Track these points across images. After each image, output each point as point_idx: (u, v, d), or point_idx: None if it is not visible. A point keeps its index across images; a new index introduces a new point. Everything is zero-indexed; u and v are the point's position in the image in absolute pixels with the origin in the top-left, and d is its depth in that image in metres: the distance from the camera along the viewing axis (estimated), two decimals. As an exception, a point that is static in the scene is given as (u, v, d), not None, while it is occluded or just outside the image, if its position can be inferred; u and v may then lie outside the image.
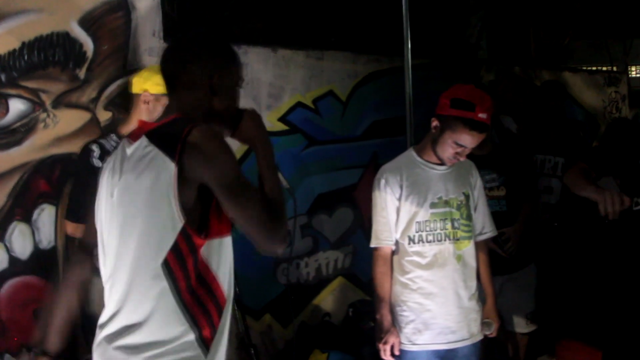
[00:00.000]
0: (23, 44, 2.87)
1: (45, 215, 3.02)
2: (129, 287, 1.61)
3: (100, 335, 1.68)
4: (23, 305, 2.98)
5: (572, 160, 3.07)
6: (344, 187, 4.30)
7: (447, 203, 2.53)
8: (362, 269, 4.40)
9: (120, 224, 1.63)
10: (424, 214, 2.51)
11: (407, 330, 2.55)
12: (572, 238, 3.82)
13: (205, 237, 1.59)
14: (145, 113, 2.76)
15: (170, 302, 1.58)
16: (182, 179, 1.54)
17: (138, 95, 2.81)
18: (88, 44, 3.07)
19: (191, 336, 1.60)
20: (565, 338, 3.66)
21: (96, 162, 2.70)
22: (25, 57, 2.88)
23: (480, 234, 2.65)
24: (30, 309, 3.00)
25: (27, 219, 2.97)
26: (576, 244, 3.16)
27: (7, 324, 2.92)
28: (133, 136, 1.70)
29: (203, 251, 1.60)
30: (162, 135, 1.60)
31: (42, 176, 2.99)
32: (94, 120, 3.11)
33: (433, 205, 2.53)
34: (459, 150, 2.44)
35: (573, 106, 6.18)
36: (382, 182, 2.59)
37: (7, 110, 2.86)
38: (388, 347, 2.54)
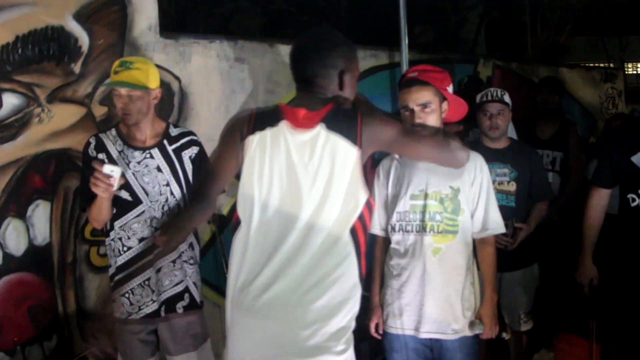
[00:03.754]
0: (17, 37, 2.84)
1: (40, 211, 3.00)
2: (318, 254, 1.89)
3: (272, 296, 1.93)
4: (18, 303, 2.95)
5: (595, 179, 3.09)
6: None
7: (427, 196, 2.55)
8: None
9: (306, 197, 1.91)
10: (404, 205, 2.59)
11: (386, 312, 2.68)
12: (572, 233, 3.82)
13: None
14: (149, 108, 2.63)
15: (354, 264, 1.92)
16: (362, 157, 1.89)
17: (148, 89, 2.60)
18: (83, 38, 3.04)
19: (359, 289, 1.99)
20: (562, 331, 3.65)
21: (91, 153, 2.65)
22: (20, 51, 2.85)
23: (482, 231, 2.62)
24: (25, 306, 2.97)
25: (21, 215, 2.94)
26: (576, 239, 3.14)
27: (2, 321, 2.90)
28: (293, 120, 1.95)
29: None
30: (339, 123, 1.91)
31: (36, 172, 2.96)
32: (89, 115, 3.09)
33: (413, 197, 2.58)
34: (410, 116, 2.48)
35: (570, 102, 6.18)
36: (377, 174, 2.74)
37: (0, 104, 2.83)
38: (372, 325, 2.73)
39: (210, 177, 2.16)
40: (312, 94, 1.99)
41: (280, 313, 1.92)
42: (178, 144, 2.69)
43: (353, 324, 2.01)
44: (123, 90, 2.55)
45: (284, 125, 1.95)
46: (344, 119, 1.92)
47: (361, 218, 1.91)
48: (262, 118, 2.00)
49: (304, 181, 1.91)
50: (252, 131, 1.98)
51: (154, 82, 2.61)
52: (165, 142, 2.68)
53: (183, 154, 2.69)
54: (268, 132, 1.96)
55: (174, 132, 2.73)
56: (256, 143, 1.97)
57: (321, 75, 1.97)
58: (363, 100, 2.14)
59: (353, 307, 1.99)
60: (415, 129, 2.28)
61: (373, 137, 1.91)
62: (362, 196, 1.90)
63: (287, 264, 1.90)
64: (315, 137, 1.91)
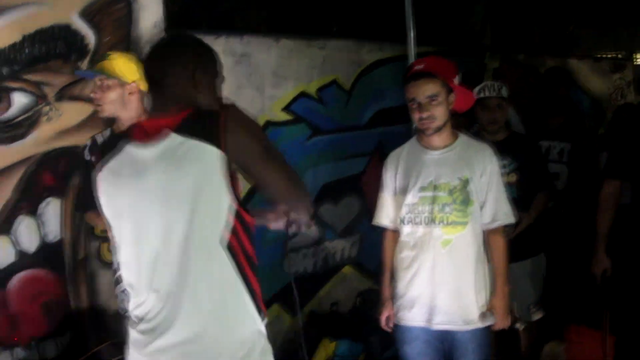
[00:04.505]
0: (24, 37, 2.86)
1: (51, 209, 3.03)
2: (185, 272, 1.69)
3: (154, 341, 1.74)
4: (32, 299, 2.98)
5: (608, 169, 3.09)
6: (349, 176, 4.29)
7: (436, 187, 2.55)
8: (369, 257, 4.39)
9: (167, 217, 1.69)
10: (412, 197, 2.58)
11: (397, 305, 2.66)
12: (580, 224, 3.81)
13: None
14: (126, 104, 2.61)
15: (237, 283, 1.70)
16: (229, 163, 1.67)
17: (122, 82, 2.59)
18: (90, 36, 3.06)
19: (254, 309, 1.74)
20: (574, 323, 3.64)
21: (86, 156, 2.68)
22: (27, 50, 2.87)
23: (492, 222, 2.61)
24: (39, 302, 3.01)
25: (33, 212, 2.97)
26: (583, 230, 3.14)
27: (17, 317, 2.93)
28: (139, 136, 1.74)
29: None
30: (198, 127, 1.67)
31: (46, 170, 2.99)
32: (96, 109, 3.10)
33: (422, 189, 2.57)
34: (418, 109, 2.50)
35: (579, 93, 6.15)
36: (385, 166, 2.73)
37: (10, 104, 2.86)
38: (383, 318, 2.71)
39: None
40: (164, 99, 1.78)
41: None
42: None
43: None
44: (96, 80, 2.59)
45: (128, 148, 1.75)
46: (206, 122, 1.68)
47: (234, 232, 1.69)
48: (106, 149, 1.82)
49: (167, 201, 1.69)
50: (99, 168, 1.80)
51: (129, 76, 2.58)
52: None
53: None
54: (112, 162, 1.77)
55: None
56: (104, 179, 1.80)
57: (171, 74, 1.76)
58: (232, 109, 1.82)
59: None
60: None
61: (237, 144, 1.66)
62: (230, 207, 1.68)
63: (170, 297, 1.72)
64: (170, 147, 1.68)
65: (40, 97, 2.94)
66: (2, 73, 2.81)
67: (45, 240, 3.02)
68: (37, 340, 3.01)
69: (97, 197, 1.83)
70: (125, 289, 1.86)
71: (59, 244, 3.06)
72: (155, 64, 1.81)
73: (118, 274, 2.64)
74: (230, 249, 1.69)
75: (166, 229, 1.69)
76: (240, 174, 1.75)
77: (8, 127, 2.85)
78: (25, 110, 2.90)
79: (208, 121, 1.68)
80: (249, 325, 1.74)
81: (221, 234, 1.68)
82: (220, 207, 1.68)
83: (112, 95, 2.56)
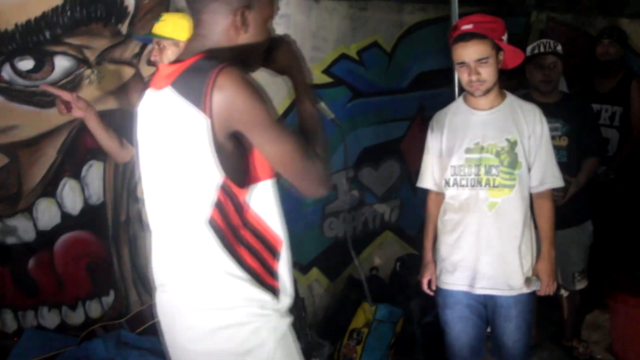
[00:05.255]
0: (65, 0, 2.86)
1: (94, 172, 3.07)
2: (175, 246, 1.58)
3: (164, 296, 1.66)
4: (76, 260, 3.05)
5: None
6: (390, 140, 4.23)
7: (483, 149, 2.49)
8: (409, 222, 4.36)
9: (157, 180, 1.59)
10: (458, 159, 2.54)
11: (440, 268, 2.65)
12: (630, 190, 3.69)
13: (247, 185, 1.53)
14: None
15: (221, 258, 1.52)
16: (215, 131, 1.43)
17: (176, 42, 2.60)
18: (129, -1, 3.05)
19: (253, 290, 1.55)
20: (618, 291, 3.55)
21: None
22: (69, 14, 2.88)
23: (540, 185, 2.54)
24: (84, 263, 3.07)
25: (76, 175, 3.02)
26: (634, 197, 3.03)
27: (63, 277, 3.00)
28: (156, 83, 1.57)
29: (247, 198, 1.54)
30: (188, 85, 1.44)
31: (89, 133, 3.00)
32: (138, 75, 3.11)
33: (468, 151, 2.53)
34: (467, 71, 2.44)
35: (630, 55, 5.91)
36: (430, 127, 2.68)
37: (52, 67, 2.88)
38: (425, 281, 2.69)
39: None
40: (190, 41, 1.57)
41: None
42: None
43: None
44: (154, 43, 2.62)
45: (148, 93, 1.59)
46: (195, 77, 1.43)
47: (219, 206, 1.49)
48: (144, 89, 1.66)
49: (153, 162, 1.57)
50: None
51: (182, 34, 2.58)
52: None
53: None
54: (140, 107, 1.63)
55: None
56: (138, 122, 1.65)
57: (205, 11, 1.52)
58: (287, 47, 1.65)
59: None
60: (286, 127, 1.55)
61: (230, 105, 1.41)
62: (215, 178, 1.47)
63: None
64: (161, 102, 1.51)
65: (81, 61, 2.95)
66: (45, 37, 2.82)
67: (89, 202, 3.07)
68: (82, 299, 3.08)
69: None
70: None
71: (101, 206, 3.11)
72: (192, 1, 1.55)
73: None
74: (213, 225, 1.49)
75: (159, 198, 1.60)
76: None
77: (51, 90, 2.88)
78: (68, 73, 2.92)
79: (198, 75, 1.43)
80: (242, 310, 1.56)
81: (205, 210, 1.49)
82: (201, 182, 1.47)
83: (170, 55, 2.58)
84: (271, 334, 1.58)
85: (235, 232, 1.53)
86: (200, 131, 1.42)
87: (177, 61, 1.53)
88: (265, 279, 1.57)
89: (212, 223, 1.49)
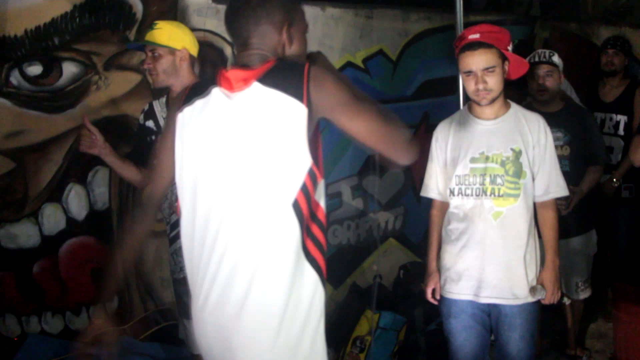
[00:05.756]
0: (75, 7, 2.89)
1: (100, 177, 3.08)
2: (254, 232, 1.60)
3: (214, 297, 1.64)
4: (81, 265, 3.06)
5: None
6: (394, 148, 4.23)
7: (488, 158, 2.49)
8: (413, 230, 4.37)
9: (240, 169, 1.62)
10: (463, 168, 2.53)
11: (444, 277, 2.63)
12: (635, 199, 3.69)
13: (323, 176, 1.65)
14: (178, 71, 2.58)
15: (297, 243, 1.60)
16: (310, 119, 1.57)
17: (172, 50, 2.56)
18: (137, 6, 3.07)
19: (315, 275, 1.63)
20: (622, 300, 3.55)
21: (141, 120, 2.71)
22: (78, 20, 2.90)
23: (544, 194, 2.55)
24: (88, 269, 3.08)
25: (82, 180, 3.03)
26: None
27: (67, 282, 3.01)
28: (229, 85, 1.66)
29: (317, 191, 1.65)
30: (283, 79, 1.59)
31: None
32: (145, 81, 3.13)
33: (473, 160, 2.52)
34: (474, 80, 2.44)
35: (633, 64, 5.92)
36: (434, 136, 2.68)
37: (60, 73, 2.90)
38: (429, 290, 2.67)
39: (152, 171, 1.92)
40: (249, 54, 1.70)
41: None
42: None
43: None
44: (147, 51, 2.57)
45: (216, 92, 1.68)
46: (288, 73, 1.61)
47: (304, 190, 1.60)
48: (194, 90, 1.75)
49: (236, 149, 1.63)
50: (181, 108, 1.73)
51: (178, 43, 2.56)
52: None
53: None
54: (197, 104, 1.71)
55: None
56: (184, 120, 1.72)
57: (257, 34, 1.68)
58: (319, 58, 1.81)
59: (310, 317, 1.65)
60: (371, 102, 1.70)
61: (322, 94, 1.58)
62: (306, 163, 1.59)
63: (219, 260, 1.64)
64: (251, 96, 1.62)
65: (89, 67, 2.97)
66: (54, 43, 2.84)
67: (94, 208, 3.08)
68: (86, 304, 3.09)
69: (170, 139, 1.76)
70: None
71: (107, 212, 3.11)
72: (241, 21, 1.69)
73: (172, 234, 2.68)
74: (296, 208, 1.59)
75: (239, 186, 1.63)
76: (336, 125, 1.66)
77: (59, 96, 2.90)
78: (75, 79, 2.94)
79: (291, 71, 1.61)
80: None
81: (292, 192, 1.59)
82: (296, 164, 1.59)
83: (164, 64, 2.55)
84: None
85: (312, 214, 1.64)
86: (298, 119, 1.57)
87: (245, 67, 1.66)
88: (322, 269, 1.66)
89: (296, 205, 1.59)
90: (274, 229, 1.60)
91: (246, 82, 1.62)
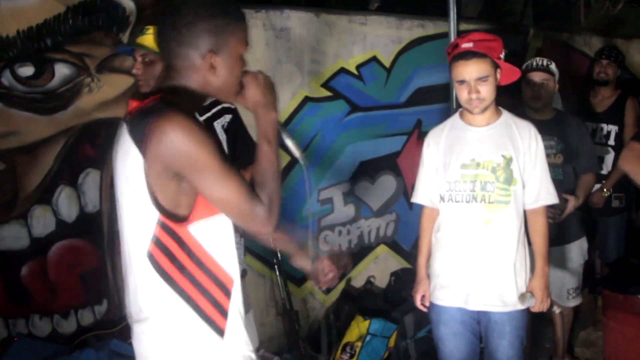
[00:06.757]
0: (68, 8, 2.88)
1: (91, 179, 3.07)
2: (128, 276, 1.62)
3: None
4: (70, 268, 3.04)
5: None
6: (387, 155, 4.25)
7: (479, 165, 2.50)
8: (404, 237, 4.37)
9: (120, 214, 1.63)
10: (454, 175, 2.53)
11: (434, 284, 2.63)
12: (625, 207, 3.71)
13: (190, 222, 1.55)
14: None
15: (167, 294, 1.55)
16: (151, 172, 1.49)
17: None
18: (131, 8, 3.07)
19: (199, 322, 1.58)
20: (612, 308, 3.56)
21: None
22: (70, 22, 2.89)
23: (534, 202, 2.55)
24: (78, 271, 3.06)
25: (73, 183, 3.01)
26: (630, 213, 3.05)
27: (56, 285, 2.99)
28: (126, 116, 1.60)
29: (194, 234, 1.56)
30: (136, 126, 1.51)
31: (86, 141, 3.02)
32: (137, 84, 3.11)
33: (464, 167, 2.52)
34: (467, 89, 2.44)
35: (625, 74, 5.96)
36: (426, 142, 2.68)
37: (53, 75, 2.89)
38: (418, 297, 2.67)
39: None
40: (164, 77, 1.63)
41: None
42: (209, 114, 2.58)
43: None
44: (137, 56, 2.51)
45: (121, 127, 1.60)
46: (143, 120, 1.49)
47: (156, 241, 1.53)
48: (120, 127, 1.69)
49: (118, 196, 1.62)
50: (115, 148, 1.66)
51: None
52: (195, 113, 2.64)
53: (215, 124, 2.63)
54: (117, 139, 1.64)
55: (205, 102, 2.68)
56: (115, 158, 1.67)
57: (178, 56, 1.57)
58: (256, 85, 1.65)
59: None
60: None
61: (163, 150, 1.46)
62: (153, 216, 1.52)
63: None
64: (122, 140, 1.55)
65: (81, 69, 2.96)
66: (46, 44, 2.83)
67: (85, 210, 3.06)
68: (75, 307, 3.07)
69: None
70: None
71: (97, 214, 3.10)
72: (166, 41, 1.58)
73: None
74: (151, 259, 1.54)
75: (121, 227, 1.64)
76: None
77: (51, 97, 2.89)
78: (67, 81, 2.92)
79: (145, 118, 1.49)
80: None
81: (144, 244, 1.54)
82: (142, 216, 1.53)
83: (156, 69, 2.53)
84: None
85: (179, 266, 1.55)
86: (140, 170, 1.50)
87: (146, 95, 1.58)
88: (210, 316, 1.59)
89: (151, 256, 1.54)
90: (142, 282, 1.58)
91: (127, 116, 1.57)
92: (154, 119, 1.47)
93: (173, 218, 1.53)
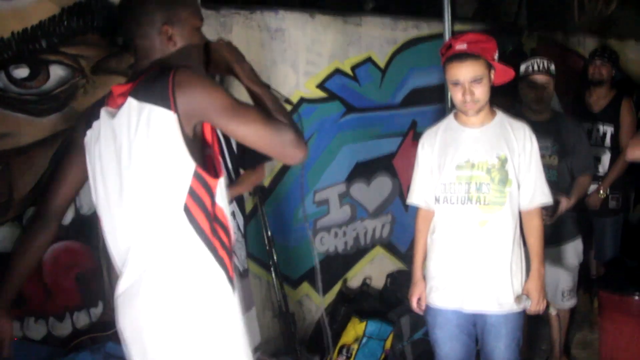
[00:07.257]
0: (63, 9, 2.87)
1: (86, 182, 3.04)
2: (153, 240, 1.66)
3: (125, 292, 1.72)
4: (66, 270, 3.02)
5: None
6: (382, 156, 4.25)
7: (474, 166, 2.49)
8: (400, 238, 4.37)
9: (134, 184, 1.66)
10: (449, 176, 2.53)
11: (429, 286, 2.62)
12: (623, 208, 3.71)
13: (217, 177, 1.66)
14: None
15: (198, 245, 1.64)
16: (183, 123, 1.59)
17: None
18: (126, 9, 3.05)
19: (222, 275, 1.68)
20: (608, 310, 3.56)
21: None
22: (65, 23, 2.88)
23: (530, 202, 2.55)
24: (73, 273, 3.05)
25: (68, 184, 2.99)
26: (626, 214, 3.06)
27: (51, 287, 2.97)
28: (111, 102, 1.70)
29: (219, 189, 1.67)
30: (150, 90, 1.60)
31: (82, 142, 3.00)
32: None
33: (459, 168, 2.52)
34: (461, 91, 2.44)
35: (619, 75, 5.98)
36: (420, 143, 2.68)
37: (47, 76, 2.87)
38: (414, 299, 2.67)
39: (55, 184, 1.92)
40: (137, 64, 1.74)
41: None
42: None
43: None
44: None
45: (103, 114, 1.70)
46: (155, 83, 1.60)
47: (192, 193, 1.62)
48: (92, 113, 1.77)
49: (125, 169, 1.66)
50: (84, 133, 1.77)
51: None
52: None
53: None
54: (95, 126, 1.73)
55: None
56: (89, 145, 1.75)
57: (139, 36, 1.70)
58: (220, 46, 1.80)
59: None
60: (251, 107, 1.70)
61: (190, 98, 1.58)
62: (189, 168, 1.61)
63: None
64: (127, 112, 1.62)
65: (76, 70, 2.94)
66: (41, 45, 2.81)
67: (80, 212, 3.05)
68: (70, 310, 3.05)
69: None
70: None
71: (92, 216, 3.08)
72: (125, 24, 1.73)
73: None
74: (188, 212, 1.62)
75: (123, 193, 1.67)
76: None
77: (45, 99, 2.87)
78: (62, 82, 2.91)
79: (158, 80, 1.60)
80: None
81: (181, 197, 1.62)
82: (178, 171, 1.61)
83: None
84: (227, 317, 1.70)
85: (210, 221, 1.66)
86: (170, 126, 1.58)
87: (127, 82, 1.69)
88: (229, 270, 1.70)
89: (187, 210, 1.62)
90: (169, 236, 1.64)
91: (123, 97, 1.65)
92: (170, 77, 1.57)
93: (206, 169, 1.63)
